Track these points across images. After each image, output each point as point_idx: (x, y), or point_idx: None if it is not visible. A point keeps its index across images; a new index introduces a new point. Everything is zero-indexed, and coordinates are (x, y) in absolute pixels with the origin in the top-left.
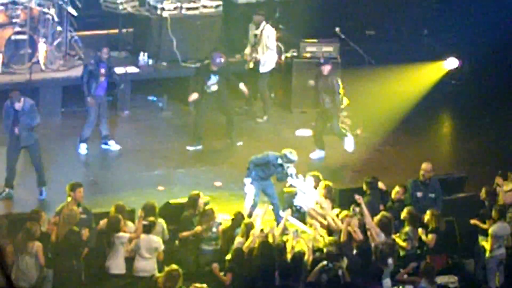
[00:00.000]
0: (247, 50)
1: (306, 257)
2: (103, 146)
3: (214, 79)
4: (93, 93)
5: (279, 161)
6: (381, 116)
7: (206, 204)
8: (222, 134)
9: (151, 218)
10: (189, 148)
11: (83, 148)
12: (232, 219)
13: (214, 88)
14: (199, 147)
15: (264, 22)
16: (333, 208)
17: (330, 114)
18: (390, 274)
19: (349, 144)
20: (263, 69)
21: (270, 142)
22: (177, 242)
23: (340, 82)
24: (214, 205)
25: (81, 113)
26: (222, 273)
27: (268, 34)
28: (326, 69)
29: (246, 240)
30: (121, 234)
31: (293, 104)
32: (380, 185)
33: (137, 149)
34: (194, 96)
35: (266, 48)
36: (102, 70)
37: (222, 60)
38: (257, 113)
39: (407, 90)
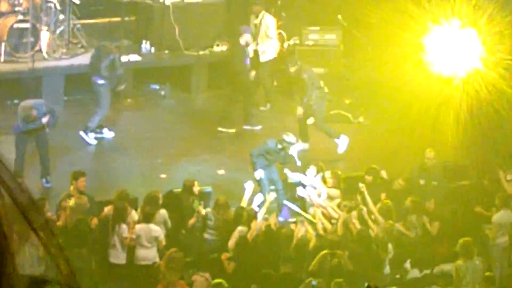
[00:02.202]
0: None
1: (310, 245)
2: (97, 136)
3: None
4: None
5: (279, 145)
6: (383, 103)
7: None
8: (227, 122)
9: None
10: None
11: (92, 138)
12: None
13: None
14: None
15: (263, 12)
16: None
17: (310, 112)
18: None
19: (341, 145)
20: (263, 58)
21: (273, 130)
22: (184, 231)
23: (313, 81)
24: (217, 193)
25: (84, 101)
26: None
27: (267, 23)
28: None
29: (249, 228)
30: (122, 225)
31: (295, 91)
32: (382, 173)
33: (140, 138)
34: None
35: (266, 37)
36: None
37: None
38: (259, 101)
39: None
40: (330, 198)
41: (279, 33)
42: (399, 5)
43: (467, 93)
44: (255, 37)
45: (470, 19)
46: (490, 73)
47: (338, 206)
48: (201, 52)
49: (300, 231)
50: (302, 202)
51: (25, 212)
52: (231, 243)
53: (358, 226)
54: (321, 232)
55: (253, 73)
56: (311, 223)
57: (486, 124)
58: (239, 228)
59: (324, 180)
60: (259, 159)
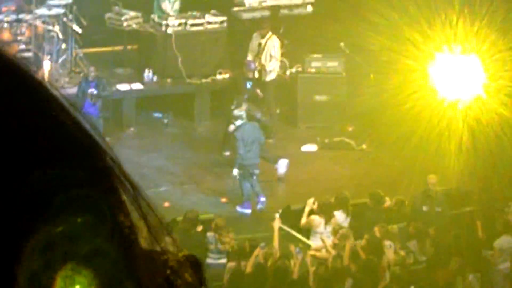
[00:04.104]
0: (249, 59)
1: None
2: None
3: (248, 85)
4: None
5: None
6: (386, 130)
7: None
8: (229, 148)
9: None
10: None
11: None
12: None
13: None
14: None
15: (270, 33)
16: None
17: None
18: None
19: (281, 167)
20: (269, 77)
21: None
22: None
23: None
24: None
25: None
26: None
27: (273, 43)
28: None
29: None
30: None
31: (299, 119)
32: (386, 200)
33: (143, 166)
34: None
35: (270, 58)
36: (91, 90)
37: (256, 65)
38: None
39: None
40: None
41: (282, 61)
42: (402, 32)
43: (469, 119)
44: (258, 56)
45: (472, 46)
46: (492, 99)
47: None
48: (203, 80)
49: (297, 264)
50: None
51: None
52: (226, 278)
53: (364, 254)
54: (327, 258)
55: (258, 90)
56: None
57: (488, 150)
58: (228, 264)
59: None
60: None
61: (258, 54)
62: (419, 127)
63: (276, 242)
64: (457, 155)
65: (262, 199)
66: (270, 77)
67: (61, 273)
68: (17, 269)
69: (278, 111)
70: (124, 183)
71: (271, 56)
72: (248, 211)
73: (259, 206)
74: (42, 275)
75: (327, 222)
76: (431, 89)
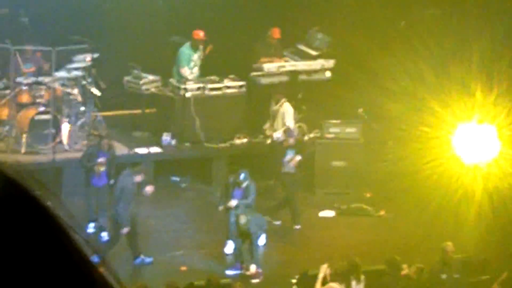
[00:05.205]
0: (266, 126)
1: None
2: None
3: (290, 155)
4: (91, 182)
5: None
6: (404, 196)
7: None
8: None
9: None
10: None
11: (90, 227)
12: None
13: (292, 164)
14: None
15: (283, 99)
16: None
17: None
18: None
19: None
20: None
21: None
22: None
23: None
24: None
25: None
26: None
27: (284, 111)
28: None
29: None
30: None
31: (317, 185)
32: (404, 267)
33: (160, 229)
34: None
35: (282, 125)
36: (102, 160)
37: (298, 133)
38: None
39: (431, 171)
40: None
41: (299, 126)
42: (419, 100)
43: (487, 187)
44: (272, 123)
45: (490, 115)
46: (510, 166)
47: None
48: (221, 145)
49: None
50: None
51: None
52: None
53: None
54: None
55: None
56: None
57: (506, 218)
58: None
59: None
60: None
61: (272, 121)
62: (437, 194)
63: None
64: (475, 222)
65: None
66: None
67: None
68: None
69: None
70: None
71: (284, 124)
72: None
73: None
74: None
75: None
76: (449, 157)
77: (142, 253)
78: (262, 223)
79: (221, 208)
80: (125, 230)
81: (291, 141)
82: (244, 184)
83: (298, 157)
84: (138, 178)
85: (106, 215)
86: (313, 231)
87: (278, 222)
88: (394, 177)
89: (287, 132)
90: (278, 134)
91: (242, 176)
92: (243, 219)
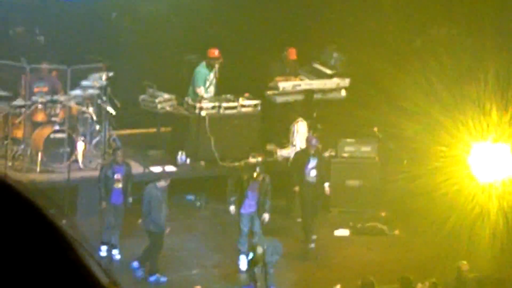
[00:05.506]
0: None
1: None
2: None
3: (313, 162)
4: (108, 200)
5: None
6: (419, 215)
7: None
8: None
9: None
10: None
11: (103, 250)
12: None
13: (314, 173)
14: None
15: (299, 119)
16: None
17: None
18: None
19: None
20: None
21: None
22: None
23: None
24: None
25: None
26: None
27: (295, 129)
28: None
29: None
30: None
31: (332, 203)
32: (418, 286)
33: (175, 248)
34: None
35: (291, 143)
36: (117, 176)
37: (318, 141)
38: (295, 211)
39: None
40: None
41: None
42: (434, 119)
43: (503, 206)
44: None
45: (505, 134)
46: None
47: None
48: (236, 163)
49: None
50: None
51: None
52: None
53: None
54: None
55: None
56: None
57: None
58: None
59: None
60: None
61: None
62: (452, 213)
63: None
64: (490, 241)
65: None
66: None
67: None
68: None
69: None
70: None
71: (292, 142)
72: None
73: None
74: None
75: None
76: (464, 176)
77: (158, 271)
78: (278, 249)
79: (232, 208)
80: (168, 229)
81: (312, 150)
82: (260, 177)
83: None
84: (163, 183)
85: (118, 233)
86: (328, 250)
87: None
88: (409, 196)
89: (309, 140)
90: (283, 152)
91: (258, 169)
92: (260, 250)
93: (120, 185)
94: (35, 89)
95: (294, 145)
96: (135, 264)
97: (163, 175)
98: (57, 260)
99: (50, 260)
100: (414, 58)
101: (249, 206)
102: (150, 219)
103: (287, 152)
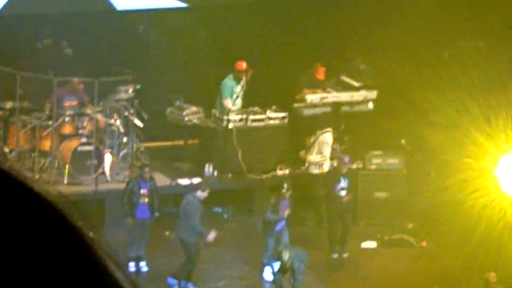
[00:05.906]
0: (302, 152)
1: None
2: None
3: (343, 183)
4: (133, 215)
5: None
6: (446, 227)
7: None
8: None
9: None
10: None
11: (131, 266)
12: None
13: (343, 193)
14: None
15: (328, 128)
16: None
17: None
18: None
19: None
20: (311, 170)
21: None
22: None
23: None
24: None
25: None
26: None
27: (321, 140)
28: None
29: None
30: None
31: (359, 215)
32: None
33: (202, 260)
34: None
35: (318, 153)
36: (143, 191)
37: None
38: (324, 223)
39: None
40: None
41: (339, 157)
42: (462, 131)
43: None
44: (308, 150)
45: None
46: None
47: None
48: (263, 176)
49: None
50: None
51: None
52: None
53: None
54: None
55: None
56: None
57: None
58: None
59: None
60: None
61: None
62: (480, 225)
63: None
64: None
65: None
66: (311, 170)
67: None
68: None
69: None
70: None
71: (320, 152)
72: None
73: None
74: None
75: None
76: (492, 188)
77: (179, 279)
78: (303, 257)
79: (272, 219)
80: (212, 235)
81: (344, 169)
82: (288, 194)
83: (345, 192)
84: (200, 193)
85: (144, 246)
86: (355, 262)
87: (346, 255)
88: (437, 208)
89: (341, 159)
90: (314, 158)
91: (285, 185)
92: (286, 255)
93: (146, 200)
94: (66, 104)
95: (323, 156)
96: (170, 280)
97: (203, 184)
98: (75, 259)
99: (68, 259)
100: (441, 70)
101: (280, 224)
102: (181, 226)
103: (316, 159)
